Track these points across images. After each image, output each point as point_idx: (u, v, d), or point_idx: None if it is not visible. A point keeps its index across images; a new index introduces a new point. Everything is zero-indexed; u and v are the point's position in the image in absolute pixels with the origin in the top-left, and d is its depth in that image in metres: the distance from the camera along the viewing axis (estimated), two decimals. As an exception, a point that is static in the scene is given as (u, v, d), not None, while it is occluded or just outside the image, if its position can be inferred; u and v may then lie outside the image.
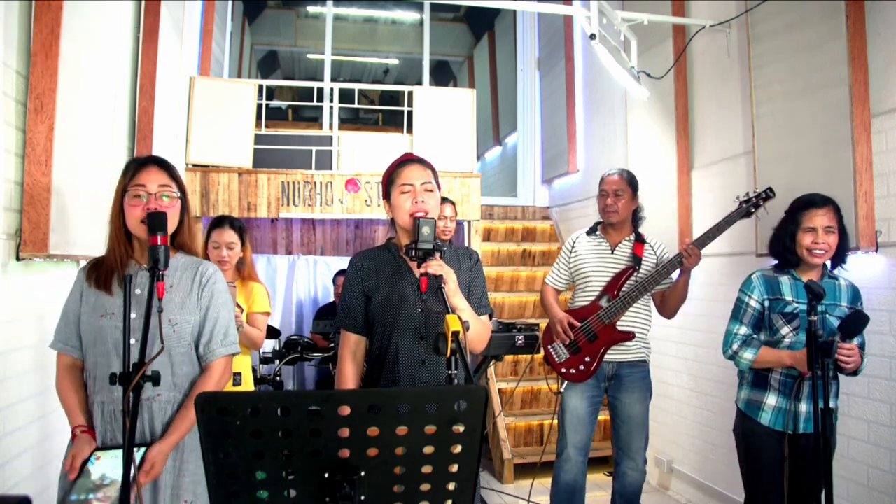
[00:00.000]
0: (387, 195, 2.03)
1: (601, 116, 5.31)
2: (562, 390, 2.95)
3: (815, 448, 2.00)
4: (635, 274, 2.89)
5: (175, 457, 1.76)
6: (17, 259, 2.28)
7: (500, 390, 4.77)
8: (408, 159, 2.03)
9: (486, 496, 4.04)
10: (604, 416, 3.05)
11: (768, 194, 2.72)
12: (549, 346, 2.98)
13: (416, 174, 1.97)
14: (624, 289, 2.86)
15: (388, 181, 2.03)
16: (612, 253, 2.97)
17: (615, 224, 2.98)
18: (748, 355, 2.37)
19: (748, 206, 2.74)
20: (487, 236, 6.03)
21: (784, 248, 2.37)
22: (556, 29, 6.08)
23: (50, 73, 2.32)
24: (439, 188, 2.05)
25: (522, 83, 6.84)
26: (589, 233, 3.06)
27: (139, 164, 1.84)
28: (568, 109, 5.79)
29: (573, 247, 3.06)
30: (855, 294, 2.38)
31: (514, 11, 6.87)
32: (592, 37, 3.31)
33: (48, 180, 2.32)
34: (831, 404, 2.18)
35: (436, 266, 1.72)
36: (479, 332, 1.92)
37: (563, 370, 2.91)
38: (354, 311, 2.01)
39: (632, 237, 3.00)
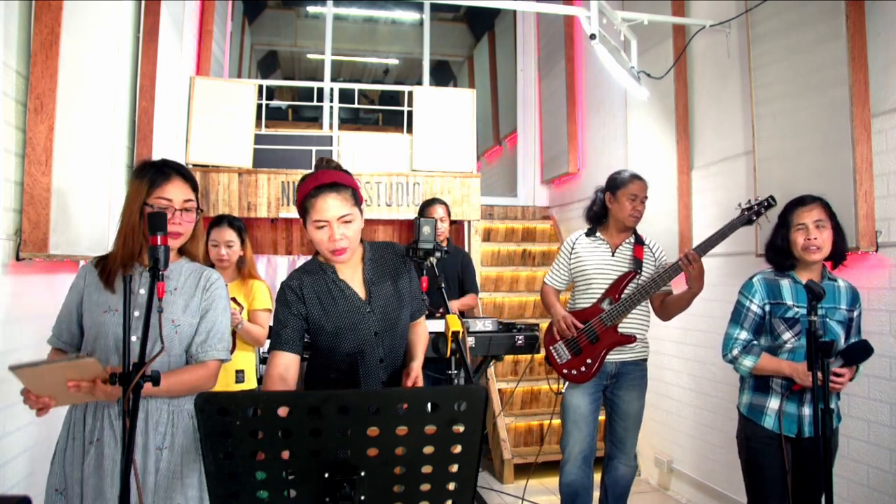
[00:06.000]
0: (303, 217, 1.81)
1: (601, 116, 5.30)
2: (563, 390, 2.97)
3: (817, 450, 2.00)
4: (637, 278, 2.90)
5: (170, 458, 1.75)
6: (18, 259, 2.28)
7: (500, 390, 4.77)
8: (320, 185, 1.76)
9: (486, 496, 4.04)
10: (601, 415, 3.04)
11: (770, 202, 2.68)
12: (552, 347, 2.97)
13: (331, 209, 1.74)
14: (625, 292, 2.87)
15: (302, 207, 1.79)
16: (613, 255, 2.96)
17: (630, 228, 2.98)
18: (748, 362, 2.33)
19: (750, 214, 2.70)
20: (487, 236, 6.02)
21: (778, 251, 2.34)
22: (556, 29, 6.07)
23: (50, 73, 2.32)
24: (361, 201, 1.84)
25: (522, 83, 6.83)
26: (588, 234, 3.05)
27: (163, 174, 1.78)
28: (568, 109, 5.78)
29: (573, 248, 3.04)
30: (854, 296, 2.35)
31: (515, 11, 6.86)
32: (592, 37, 3.31)
33: (48, 180, 2.32)
34: (832, 405, 2.18)
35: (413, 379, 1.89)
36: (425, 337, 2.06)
37: (565, 371, 2.92)
38: (294, 333, 1.85)
39: (632, 239, 3.00)
